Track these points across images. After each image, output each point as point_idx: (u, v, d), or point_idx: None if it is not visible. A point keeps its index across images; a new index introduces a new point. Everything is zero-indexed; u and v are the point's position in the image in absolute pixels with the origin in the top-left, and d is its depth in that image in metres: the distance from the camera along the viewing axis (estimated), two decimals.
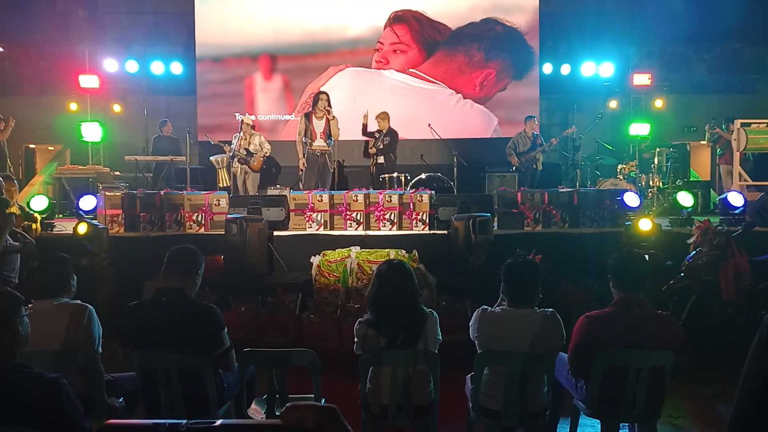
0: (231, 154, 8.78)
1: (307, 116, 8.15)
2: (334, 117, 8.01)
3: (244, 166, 8.72)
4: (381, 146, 8.73)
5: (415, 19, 11.04)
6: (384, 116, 8.87)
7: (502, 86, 11.08)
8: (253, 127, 8.89)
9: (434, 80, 11.03)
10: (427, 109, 10.76)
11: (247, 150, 8.68)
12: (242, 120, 8.83)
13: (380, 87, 10.99)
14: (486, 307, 3.24)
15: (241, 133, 8.68)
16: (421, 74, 11.05)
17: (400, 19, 11.04)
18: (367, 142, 9.01)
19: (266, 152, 8.85)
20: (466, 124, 10.85)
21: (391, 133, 8.84)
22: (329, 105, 8.02)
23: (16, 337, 2.23)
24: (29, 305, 3.11)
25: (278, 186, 9.23)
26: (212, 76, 11.12)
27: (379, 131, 8.86)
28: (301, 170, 8.17)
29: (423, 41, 11.05)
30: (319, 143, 8.07)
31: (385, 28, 11.06)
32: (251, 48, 11.07)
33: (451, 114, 10.85)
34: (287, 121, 11.05)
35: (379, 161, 8.76)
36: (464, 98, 11.05)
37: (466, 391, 3.36)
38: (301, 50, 11.02)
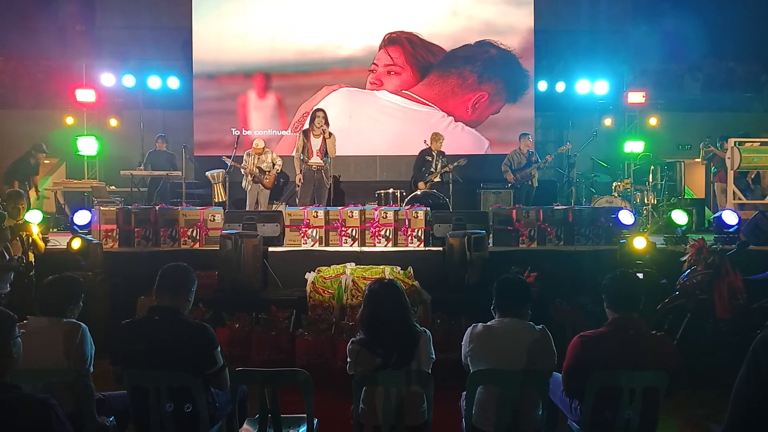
0: (228, 168, 9.00)
1: (305, 133, 8.20)
2: (331, 134, 8.06)
3: (258, 184, 9.02)
4: (444, 170, 8.86)
5: (408, 41, 11.12)
6: (439, 137, 9.02)
7: (495, 109, 11.16)
8: (263, 148, 9.13)
9: (427, 102, 11.11)
10: (419, 131, 10.83)
11: (259, 168, 8.98)
12: (253, 144, 9.12)
13: (373, 108, 11.07)
14: (476, 324, 3.25)
15: (253, 152, 9.03)
16: (414, 96, 11.12)
17: (394, 41, 11.12)
18: (422, 163, 9.00)
19: (278, 168, 9.18)
20: (457, 146, 10.83)
21: (444, 154, 9.02)
22: (326, 123, 8.07)
23: (8, 359, 2.20)
24: (24, 321, 3.09)
25: (275, 201, 9.29)
26: (208, 93, 11.15)
27: (427, 151, 8.98)
28: (298, 186, 8.21)
29: (417, 63, 11.13)
30: (315, 160, 8.11)
31: (379, 50, 11.14)
32: (246, 65, 11.11)
33: (443, 135, 10.88)
34: (282, 137, 11.08)
35: (436, 181, 8.88)
36: (456, 121, 11.12)
37: (461, 408, 3.35)
38: (295, 69, 11.08)
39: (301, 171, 8.18)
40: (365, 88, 11.14)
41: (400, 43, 11.12)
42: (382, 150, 11.09)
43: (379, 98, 11.12)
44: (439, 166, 8.87)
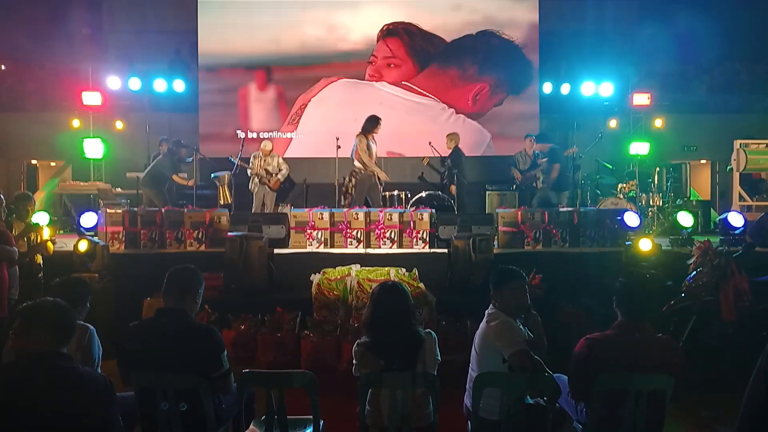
0: (234, 170, 9.05)
1: (366, 137, 8.26)
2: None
3: (264, 186, 9.13)
4: (446, 169, 8.95)
5: (406, 32, 11.03)
6: (452, 137, 9.08)
7: (497, 101, 11.04)
8: (270, 150, 9.26)
9: (426, 93, 11.01)
10: (418, 123, 10.73)
11: (266, 171, 9.12)
12: (261, 146, 9.27)
13: (371, 99, 10.95)
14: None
15: (260, 154, 9.18)
16: (414, 87, 11.04)
17: (392, 32, 11.05)
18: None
19: (284, 174, 9.30)
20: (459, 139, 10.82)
21: (455, 151, 9.02)
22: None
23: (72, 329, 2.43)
24: None
25: (280, 203, 9.33)
26: (212, 86, 11.20)
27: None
28: (353, 186, 8.32)
29: (416, 54, 11.04)
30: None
31: (378, 41, 11.09)
32: (249, 59, 11.13)
33: (443, 129, 10.71)
34: (276, 139, 11.09)
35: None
36: (457, 113, 11.04)
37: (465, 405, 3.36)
38: (297, 62, 11.06)
39: (355, 173, 8.23)
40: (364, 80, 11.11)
41: (398, 34, 11.05)
42: (383, 145, 11.04)
43: (378, 89, 11.05)
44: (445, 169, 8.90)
